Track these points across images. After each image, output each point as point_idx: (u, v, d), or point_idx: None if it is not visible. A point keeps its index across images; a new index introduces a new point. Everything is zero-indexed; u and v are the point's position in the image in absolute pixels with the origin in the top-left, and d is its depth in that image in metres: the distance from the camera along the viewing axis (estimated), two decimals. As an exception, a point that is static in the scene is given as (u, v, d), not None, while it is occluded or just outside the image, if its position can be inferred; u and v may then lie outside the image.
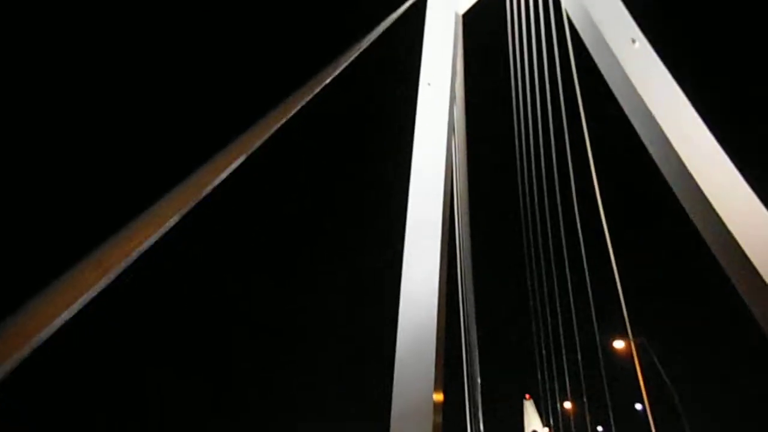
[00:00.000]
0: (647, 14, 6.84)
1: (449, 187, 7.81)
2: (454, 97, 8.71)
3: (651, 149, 6.34)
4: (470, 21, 9.35)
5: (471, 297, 11.12)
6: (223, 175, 2.96)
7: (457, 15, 8.78)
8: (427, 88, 7.88)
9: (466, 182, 10.63)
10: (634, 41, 6.66)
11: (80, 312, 2.11)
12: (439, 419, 5.65)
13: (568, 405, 17.23)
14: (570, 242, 10.65)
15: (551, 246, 11.75)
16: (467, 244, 10.92)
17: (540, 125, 10.42)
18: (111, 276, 2.24)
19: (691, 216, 5.86)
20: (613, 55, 6.77)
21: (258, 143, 3.34)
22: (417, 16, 8.80)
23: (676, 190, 5.98)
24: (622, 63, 6.59)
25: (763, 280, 5.01)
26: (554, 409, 18.36)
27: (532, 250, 12.87)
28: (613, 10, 7.09)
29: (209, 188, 2.85)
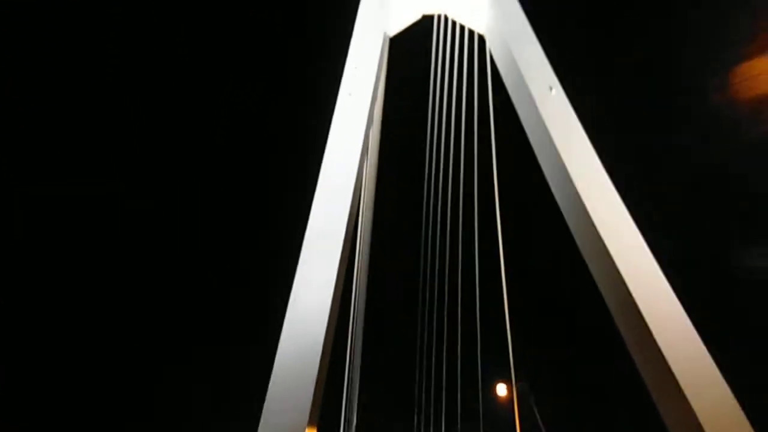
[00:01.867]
0: (563, 64, 7.12)
1: (355, 208, 7.40)
2: (372, 117, 8.46)
3: (555, 191, 6.50)
4: (396, 46, 9.32)
5: (360, 324, 10.62)
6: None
7: (385, 35, 8.66)
8: (347, 98, 7.53)
9: (372, 204, 10.34)
10: (551, 88, 6.89)
11: None
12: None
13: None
14: (465, 283, 10.67)
15: (446, 283, 11.72)
16: (365, 268, 10.53)
17: (451, 158, 10.51)
18: None
19: (589, 265, 5.99)
20: (531, 98, 6.95)
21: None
22: (343, 28, 8.59)
23: (573, 230, 6.14)
24: (539, 107, 6.77)
25: (656, 344, 5.09)
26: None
27: (427, 283, 12.78)
28: (534, 57, 7.34)
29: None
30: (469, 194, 9.94)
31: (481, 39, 8.70)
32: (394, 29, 9.13)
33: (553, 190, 6.59)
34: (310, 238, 6.38)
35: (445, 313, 11.83)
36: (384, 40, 8.69)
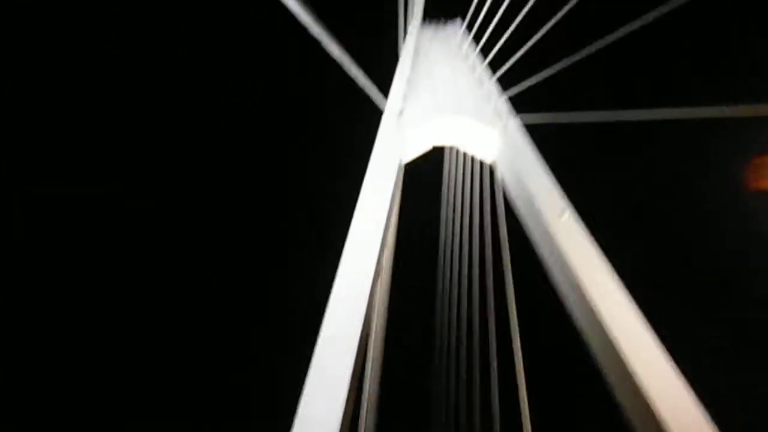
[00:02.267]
0: (570, 189, 7.33)
1: (365, 337, 7.14)
2: (386, 240, 8.55)
3: (574, 314, 6.25)
4: (409, 173, 9.75)
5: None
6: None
7: (401, 163, 9.11)
8: (361, 219, 7.68)
9: (384, 331, 9.97)
10: (562, 213, 6.99)
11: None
12: None
13: None
14: (483, 410, 9.86)
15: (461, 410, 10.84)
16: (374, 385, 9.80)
17: (465, 288, 10.37)
18: None
19: (609, 381, 5.57)
20: (543, 224, 7.03)
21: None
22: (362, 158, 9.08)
23: (596, 354, 5.79)
24: (551, 231, 6.82)
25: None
26: None
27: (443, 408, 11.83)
28: (544, 184, 7.59)
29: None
30: (483, 318, 9.63)
31: (491, 167, 9.10)
32: (408, 157, 9.64)
33: (572, 313, 6.35)
34: (316, 368, 6.03)
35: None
36: (399, 167, 9.14)
